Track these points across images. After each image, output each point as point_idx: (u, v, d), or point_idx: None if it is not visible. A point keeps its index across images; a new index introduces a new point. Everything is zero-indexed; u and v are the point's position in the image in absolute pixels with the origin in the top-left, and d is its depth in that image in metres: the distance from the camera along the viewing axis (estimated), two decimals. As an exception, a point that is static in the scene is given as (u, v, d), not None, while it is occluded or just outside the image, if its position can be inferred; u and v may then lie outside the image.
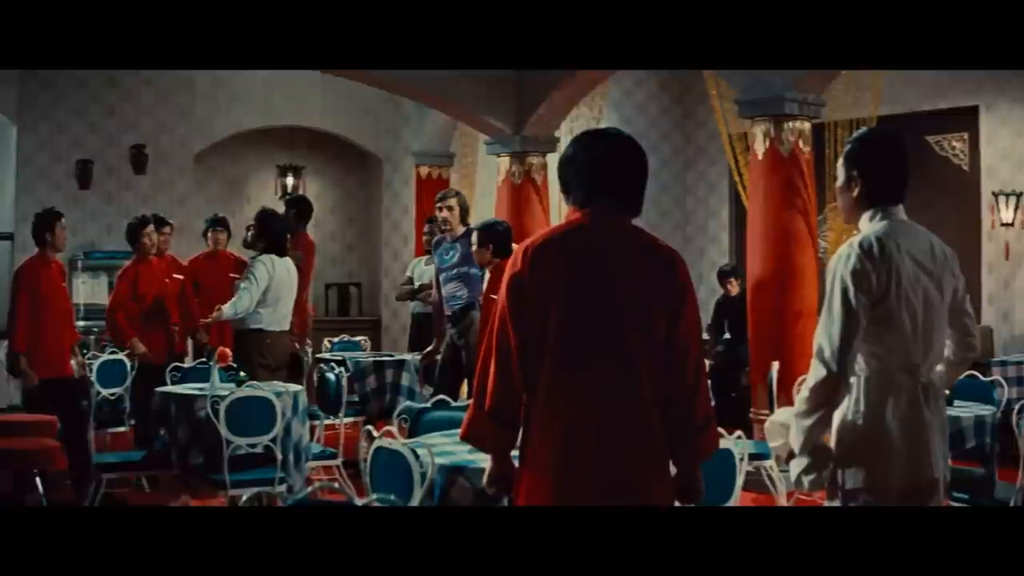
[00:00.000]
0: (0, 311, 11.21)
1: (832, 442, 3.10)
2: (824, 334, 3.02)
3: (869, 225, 3.15)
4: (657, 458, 2.89)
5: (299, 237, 7.75)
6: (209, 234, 8.60)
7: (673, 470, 2.98)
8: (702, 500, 3.03)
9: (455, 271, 7.11)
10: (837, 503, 3.10)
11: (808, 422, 3.03)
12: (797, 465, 3.12)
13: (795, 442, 3.09)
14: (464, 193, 11.94)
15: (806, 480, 3.12)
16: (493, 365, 2.92)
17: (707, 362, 7.87)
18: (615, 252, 2.91)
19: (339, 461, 6.45)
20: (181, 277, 8.14)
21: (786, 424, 3.18)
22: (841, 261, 3.06)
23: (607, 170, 2.95)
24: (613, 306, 2.86)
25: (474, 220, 11.53)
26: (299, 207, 8.34)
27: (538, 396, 2.87)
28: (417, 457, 3.53)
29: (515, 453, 2.99)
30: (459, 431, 3.08)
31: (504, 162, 9.92)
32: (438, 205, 7.32)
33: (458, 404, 4.74)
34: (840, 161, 3.27)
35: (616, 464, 2.82)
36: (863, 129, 3.47)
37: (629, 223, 2.98)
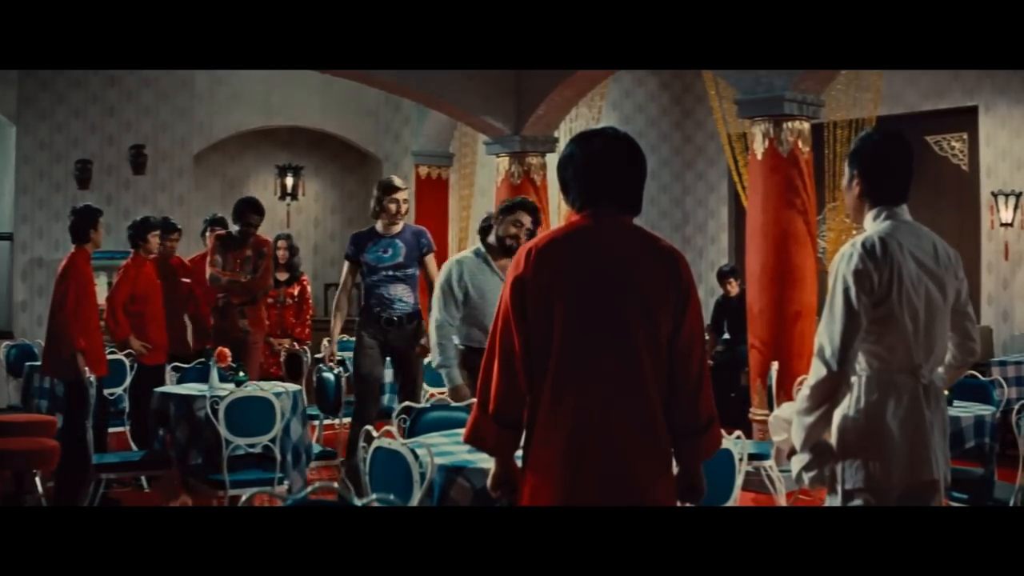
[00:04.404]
0: (1, 311, 11.26)
1: (833, 440, 3.11)
2: (826, 333, 3.03)
3: (873, 225, 3.15)
4: (662, 458, 2.90)
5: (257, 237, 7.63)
6: (207, 234, 8.44)
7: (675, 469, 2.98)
8: (703, 499, 3.03)
9: (401, 272, 6.36)
10: (838, 499, 3.10)
11: (809, 419, 3.04)
12: (798, 462, 3.13)
13: (796, 439, 3.09)
14: (464, 193, 12.05)
15: (807, 477, 3.13)
16: (496, 367, 2.92)
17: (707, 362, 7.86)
18: (618, 253, 2.91)
19: (339, 461, 6.45)
20: (188, 280, 8.12)
21: (788, 419, 3.19)
22: (844, 260, 3.06)
23: (605, 171, 2.95)
24: (618, 307, 2.86)
25: (473, 220, 11.60)
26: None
27: (543, 397, 2.87)
28: (416, 457, 3.53)
29: (518, 454, 2.99)
30: (461, 432, 3.07)
31: (503, 162, 9.93)
32: (399, 196, 6.37)
33: (458, 404, 4.75)
34: (846, 161, 3.28)
35: (622, 464, 2.82)
36: (868, 129, 3.47)
37: (631, 223, 2.98)
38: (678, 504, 3.01)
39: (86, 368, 6.35)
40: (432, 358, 5.37)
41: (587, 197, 2.96)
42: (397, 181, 6.41)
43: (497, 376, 2.92)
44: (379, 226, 6.41)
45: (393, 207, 6.32)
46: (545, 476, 2.85)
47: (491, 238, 5.50)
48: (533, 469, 2.89)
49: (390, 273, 6.34)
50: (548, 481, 2.84)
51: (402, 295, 6.36)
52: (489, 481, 3.04)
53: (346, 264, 6.47)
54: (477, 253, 5.51)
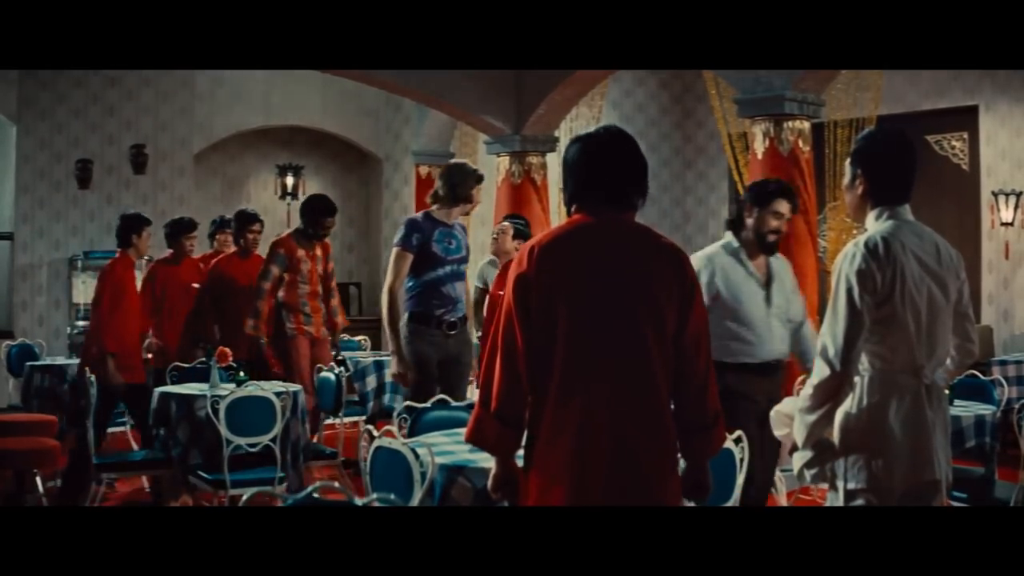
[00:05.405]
0: (1, 311, 11.26)
1: (836, 439, 3.11)
2: (829, 333, 3.03)
3: (875, 225, 3.15)
4: (670, 456, 2.90)
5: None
6: (217, 236, 8.20)
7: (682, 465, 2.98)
8: (709, 496, 3.03)
9: (464, 267, 5.76)
10: (839, 496, 3.10)
11: (812, 418, 3.04)
12: (800, 458, 3.13)
13: (799, 436, 3.10)
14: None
15: (808, 474, 3.13)
16: (499, 366, 2.91)
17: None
18: (622, 250, 2.90)
19: (339, 461, 6.46)
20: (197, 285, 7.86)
21: (790, 415, 3.19)
22: (847, 261, 3.06)
23: (601, 169, 2.94)
24: (624, 304, 2.85)
25: (474, 220, 11.61)
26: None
27: (548, 397, 2.85)
28: (417, 457, 3.53)
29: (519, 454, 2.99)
30: (461, 432, 3.07)
31: (504, 162, 9.94)
32: (480, 187, 5.84)
33: (458, 404, 4.74)
34: (847, 160, 3.28)
35: (632, 464, 2.81)
36: (870, 128, 3.46)
37: (633, 221, 2.98)
38: (684, 501, 3.01)
39: (115, 371, 6.41)
40: None
41: (585, 196, 2.95)
42: (476, 167, 5.79)
43: (499, 374, 2.91)
44: (438, 213, 5.64)
45: (479, 196, 5.72)
46: (553, 478, 2.83)
47: (745, 232, 4.58)
48: (540, 470, 2.87)
49: (455, 268, 5.60)
50: (557, 483, 2.82)
51: (462, 294, 5.67)
52: (490, 482, 3.03)
53: (401, 254, 5.47)
54: (730, 249, 4.57)
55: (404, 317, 5.57)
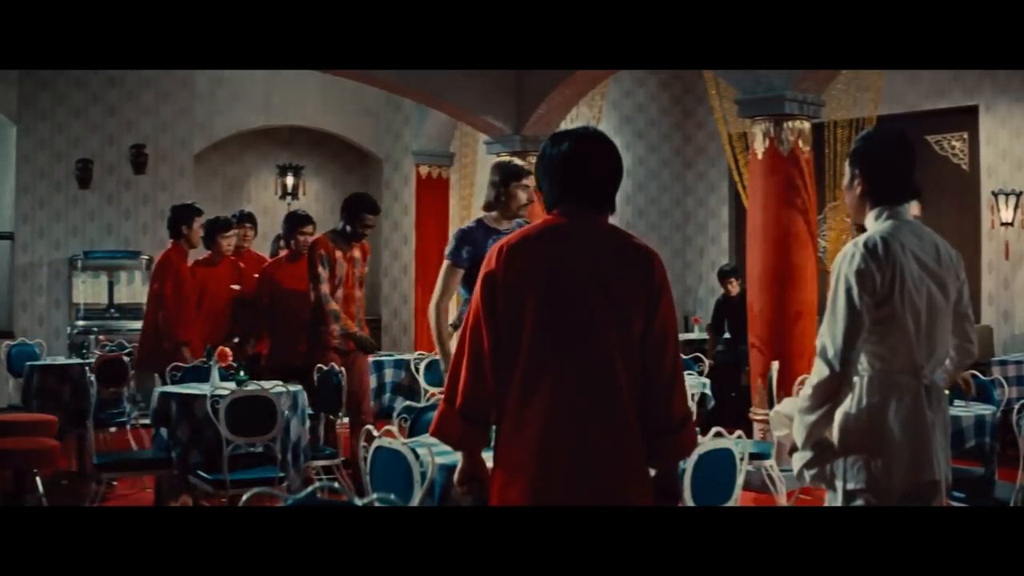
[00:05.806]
0: (1, 311, 11.26)
1: (835, 439, 3.11)
2: (828, 333, 3.02)
3: (875, 225, 3.15)
4: (635, 458, 2.88)
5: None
6: (237, 230, 7.82)
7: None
8: (680, 501, 3.01)
9: None
10: (837, 495, 3.10)
11: (811, 418, 3.04)
12: (799, 459, 3.13)
13: (798, 437, 3.09)
14: (465, 192, 12.05)
15: (808, 474, 3.13)
16: (465, 363, 2.92)
17: (707, 362, 7.88)
18: (590, 250, 2.90)
19: (339, 461, 6.46)
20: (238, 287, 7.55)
21: (790, 415, 3.19)
22: (846, 261, 3.06)
23: (576, 170, 2.94)
24: (588, 304, 2.85)
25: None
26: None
27: (511, 395, 2.86)
28: (417, 457, 3.53)
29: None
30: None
31: (504, 162, 9.94)
32: (529, 182, 5.07)
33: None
34: (847, 160, 3.28)
35: (594, 461, 2.81)
36: (869, 128, 3.46)
37: (604, 222, 2.97)
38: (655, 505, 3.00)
39: (192, 359, 6.50)
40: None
41: (558, 196, 2.96)
42: (522, 164, 5.16)
43: (465, 373, 2.91)
44: (491, 220, 5.08)
45: (523, 195, 5.04)
46: (514, 473, 2.85)
47: None
48: (502, 465, 2.89)
49: None
50: (518, 476, 2.84)
51: None
52: (456, 476, 3.04)
53: (452, 269, 4.97)
54: None
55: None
